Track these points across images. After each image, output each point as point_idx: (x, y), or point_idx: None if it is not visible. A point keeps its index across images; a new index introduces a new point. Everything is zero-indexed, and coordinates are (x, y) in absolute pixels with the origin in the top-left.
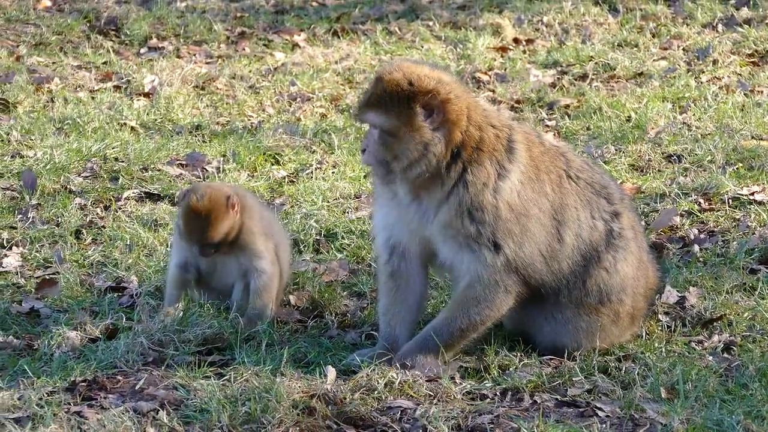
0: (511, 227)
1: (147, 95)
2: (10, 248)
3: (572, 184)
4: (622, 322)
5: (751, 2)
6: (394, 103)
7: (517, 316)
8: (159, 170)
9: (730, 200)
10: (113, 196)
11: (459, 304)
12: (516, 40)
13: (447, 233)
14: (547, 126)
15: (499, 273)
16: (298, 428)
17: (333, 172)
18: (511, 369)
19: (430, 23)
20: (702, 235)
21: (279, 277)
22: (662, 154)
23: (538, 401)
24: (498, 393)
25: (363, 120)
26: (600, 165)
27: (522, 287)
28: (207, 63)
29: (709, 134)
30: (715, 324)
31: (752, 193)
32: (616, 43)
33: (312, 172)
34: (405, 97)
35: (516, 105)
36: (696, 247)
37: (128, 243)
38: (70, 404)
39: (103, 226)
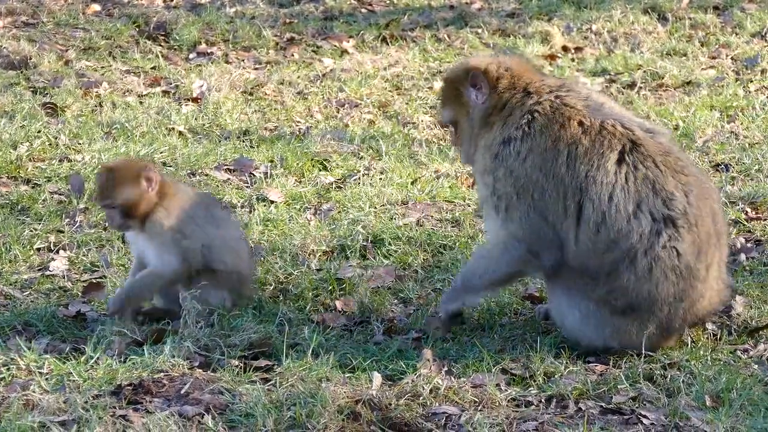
0: (510, 192)
1: (195, 100)
2: (57, 252)
3: (623, 167)
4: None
5: None
6: (451, 93)
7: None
8: (207, 175)
9: None
10: None
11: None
12: (565, 48)
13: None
14: None
15: (502, 235)
16: None
17: (380, 179)
18: (556, 376)
19: (479, 30)
20: (749, 244)
21: (169, 281)
22: (710, 162)
23: (583, 408)
24: (543, 400)
25: (441, 124)
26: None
27: (527, 254)
28: (255, 69)
29: (756, 143)
30: (761, 333)
31: None
32: (664, 52)
33: (359, 178)
34: (455, 83)
35: None
36: (743, 256)
37: None
38: (115, 408)
39: None
